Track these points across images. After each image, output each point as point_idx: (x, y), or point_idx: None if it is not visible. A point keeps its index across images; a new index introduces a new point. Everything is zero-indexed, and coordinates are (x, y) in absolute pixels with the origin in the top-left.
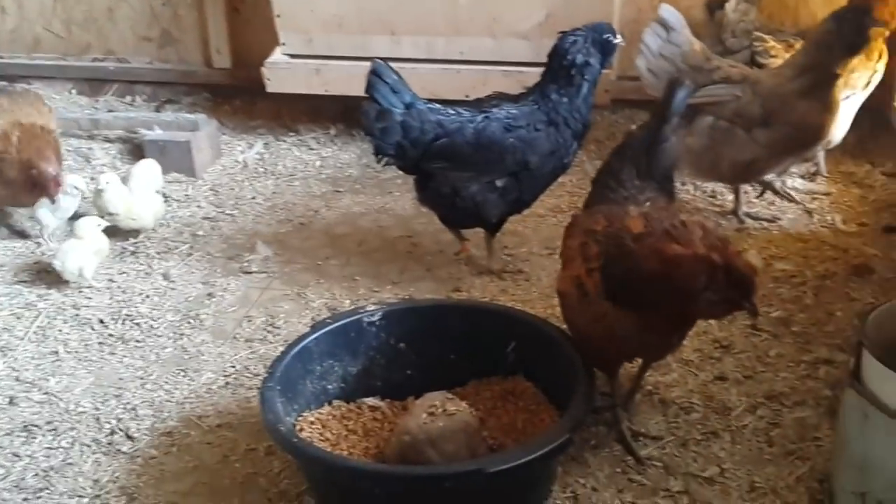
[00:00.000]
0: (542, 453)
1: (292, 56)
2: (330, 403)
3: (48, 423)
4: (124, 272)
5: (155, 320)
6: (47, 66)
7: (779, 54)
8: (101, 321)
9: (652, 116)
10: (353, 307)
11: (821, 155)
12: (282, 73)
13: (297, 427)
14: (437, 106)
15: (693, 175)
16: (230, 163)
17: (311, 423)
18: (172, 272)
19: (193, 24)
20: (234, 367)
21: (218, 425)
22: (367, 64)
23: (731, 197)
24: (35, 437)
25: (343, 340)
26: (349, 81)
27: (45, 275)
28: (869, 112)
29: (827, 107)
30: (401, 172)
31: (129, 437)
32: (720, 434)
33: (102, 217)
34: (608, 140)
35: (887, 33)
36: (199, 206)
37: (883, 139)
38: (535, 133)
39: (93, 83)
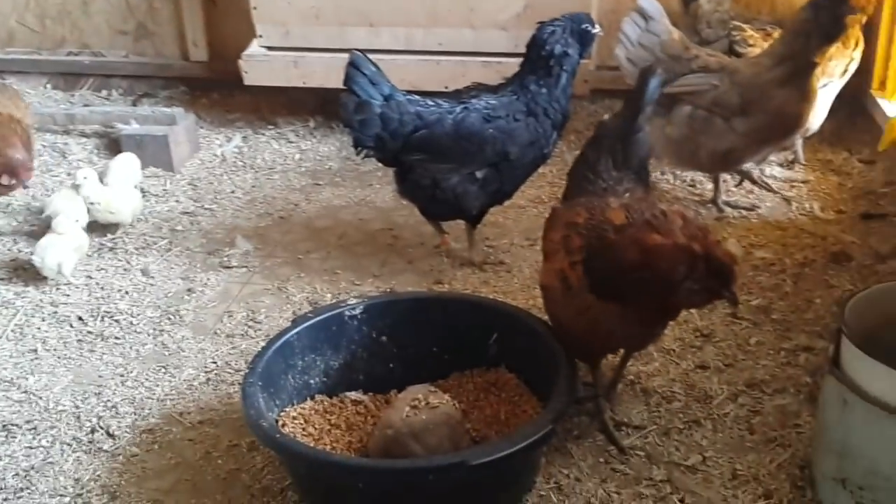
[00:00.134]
0: (525, 445)
1: (269, 48)
2: (312, 398)
3: (28, 422)
4: (102, 269)
5: (134, 317)
6: (21, 60)
7: (757, 43)
8: (80, 318)
9: (625, 106)
10: (334, 301)
11: (799, 143)
12: (259, 65)
13: (280, 422)
14: (416, 97)
15: (672, 164)
16: (208, 157)
17: (294, 418)
18: (151, 268)
19: (169, 17)
20: (215, 362)
21: (200, 422)
22: (346, 56)
23: (710, 186)
24: (15, 437)
25: (325, 335)
26: (327, 73)
27: (23, 272)
28: (846, 100)
29: (804, 95)
30: (381, 165)
31: (110, 435)
32: (702, 422)
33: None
34: (588, 130)
35: (863, 20)
36: (177, 201)
37: (860, 127)
38: (515, 123)
39: (68, 77)
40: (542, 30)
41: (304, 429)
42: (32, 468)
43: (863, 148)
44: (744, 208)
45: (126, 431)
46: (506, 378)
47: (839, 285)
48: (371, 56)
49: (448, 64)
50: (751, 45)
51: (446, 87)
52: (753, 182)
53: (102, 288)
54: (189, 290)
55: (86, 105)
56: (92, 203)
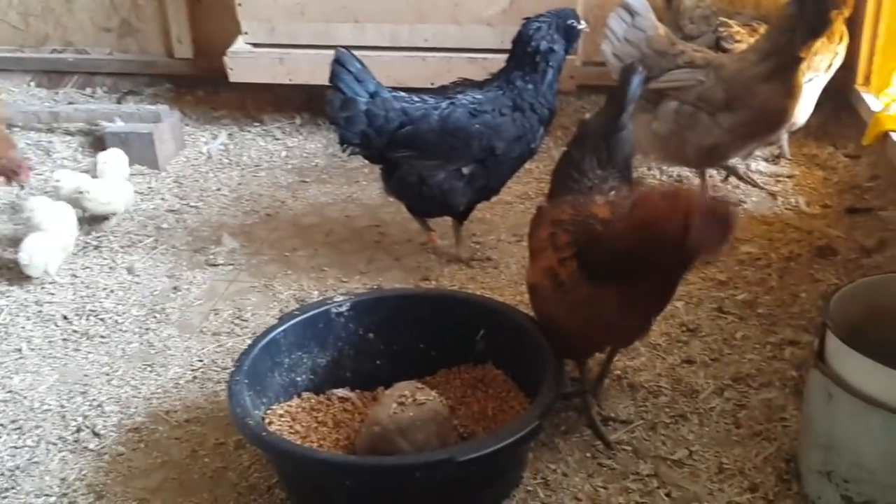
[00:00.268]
0: (512, 441)
1: (255, 45)
2: (299, 396)
3: (13, 421)
4: (88, 267)
5: (120, 315)
6: (5, 58)
7: (743, 39)
8: (65, 317)
9: (607, 104)
10: (321, 298)
11: (784, 138)
12: (244, 62)
13: (267, 420)
14: (402, 94)
15: (659, 160)
16: (194, 154)
17: (281, 415)
18: (137, 266)
19: (154, 14)
20: (201, 361)
21: (186, 420)
22: (331, 52)
23: (696, 181)
24: None
25: (311, 332)
26: (313, 70)
27: (6, 271)
28: (831, 94)
29: (790, 91)
30: (367, 162)
31: (96, 434)
32: (688, 417)
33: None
34: (574, 126)
35: (847, 14)
36: (162, 199)
37: (845, 121)
38: (501, 118)
39: (52, 75)
40: (527, 26)
41: (290, 426)
42: (17, 468)
43: (848, 142)
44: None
45: (112, 430)
46: (493, 374)
47: (824, 279)
48: (357, 53)
49: (434, 60)
50: (737, 41)
51: (432, 84)
52: (739, 177)
53: (88, 286)
54: (175, 288)
55: (70, 103)
56: (81, 192)
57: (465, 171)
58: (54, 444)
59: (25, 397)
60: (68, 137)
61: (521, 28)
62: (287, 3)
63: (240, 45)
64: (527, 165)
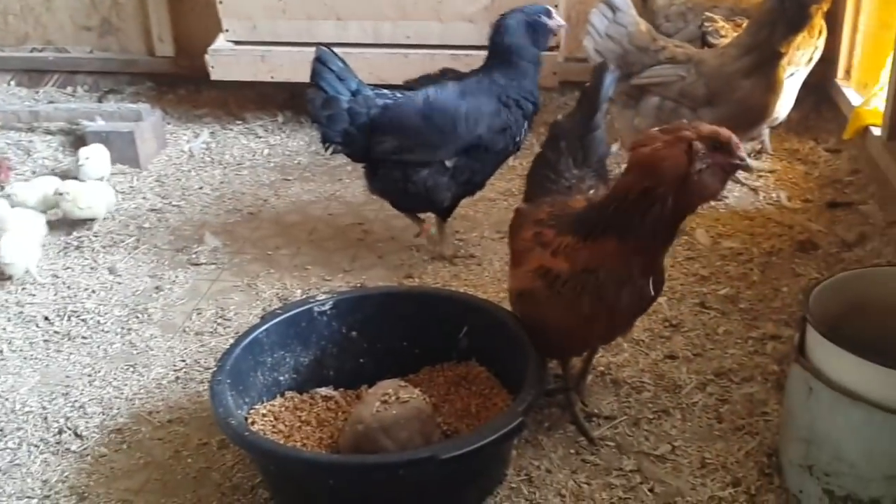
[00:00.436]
0: (494, 438)
1: (236, 43)
2: (282, 395)
3: None
4: (69, 267)
5: (102, 316)
6: None
7: (728, 34)
8: (46, 318)
9: (580, 104)
10: (304, 297)
11: (766, 133)
12: (226, 60)
13: (250, 420)
14: (384, 91)
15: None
16: (176, 153)
17: (264, 415)
18: (119, 266)
19: (134, 12)
20: (184, 361)
21: (169, 420)
22: (313, 50)
23: None
24: None
25: (294, 331)
26: (295, 68)
27: None
28: (812, 89)
29: (770, 86)
30: (350, 160)
31: (78, 436)
32: (671, 412)
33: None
34: None
35: (826, 8)
36: (144, 198)
37: (825, 115)
38: (487, 103)
39: (32, 74)
40: (496, 23)
41: (274, 426)
42: None
43: (829, 137)
44: None
45: (94, 432)
46: (476, 371)
47: (806, 273)
48: (339, 50)
49: (416, 57)
50: (723, 36)
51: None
52: None
53: (69, 287)
54: (157, 287)
55: (50, 102)
56: (60, 194)
57: (449, 164)
58: (36, 445)
59: (7, 399)
60: (49, 137)
61: (492, 25)
62: (268, 1)
63: (221, 42)
64: (510, 162)
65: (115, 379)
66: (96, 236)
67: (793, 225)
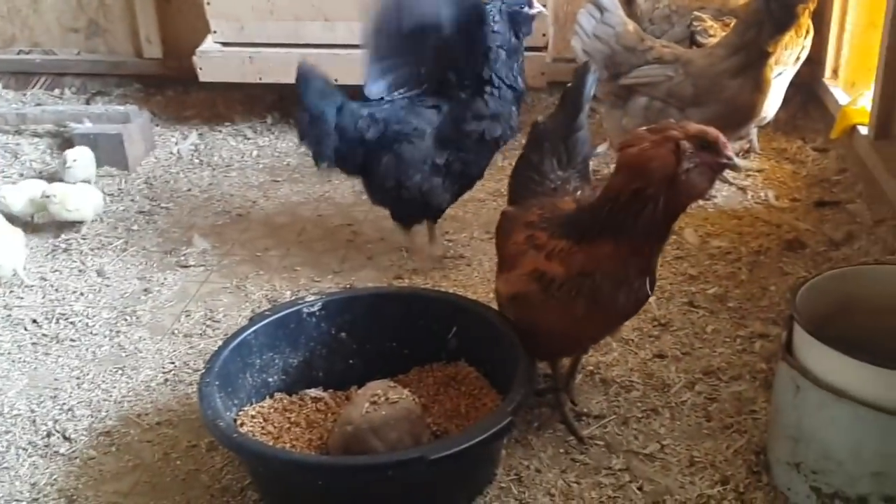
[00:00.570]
0: (483, 438)
1: (224, 44)
2: (271, 396)
3: None
4: (57, 270)
5: (90, 318)
6: None
7: (717, 34)
8: (35, 321)
9: (562, 105)
10: (293, 298)
11: (754, 132)
12: (214, 61)
13: (239, 422)
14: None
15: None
16: (164, 155)
17: (253, 417)
18: (107, 268)
19: (122, 14)
20: (173, 363)
21: (158, 423)
22: (301, 51)
23: None
24: None
25: (283, 332)
26: (283, 69)
27: None
28: (799, 88)
29: (758, 85)
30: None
31: (67, 439)
32: (660, 411)
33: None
34: None
35: (812, 8)
36: (132, 200)
37: (813, 115)
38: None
39: (19, 76)
40: None
41: (263, 427)
42: None
43: (816, 136)
44: None
45: (83, 434)
46: (466, 372)
47: (794, 272)
48: (327, 51)
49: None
50: (711, 36)
51: None
52: None
53: (57, 290)
54: (146, 290)
55: (38, 104)
56: (48, 196)
57: (440, 161)
58: (24, 449)
59: None
60: (36, 139)
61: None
62: (256, 2)
63: (209, 44)
64: (499, 163)
65: (103, 381)
66: (84, 239)
67: (781, 224)
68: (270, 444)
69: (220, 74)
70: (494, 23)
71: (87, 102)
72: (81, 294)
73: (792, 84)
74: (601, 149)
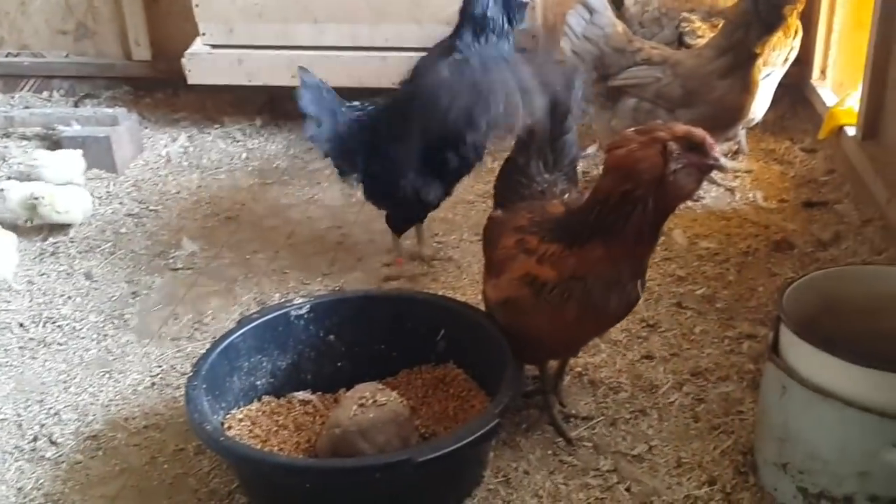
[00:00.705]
0: (470, 441)
1: (213, 46)
2: (259, 399)
3: None
4: (44, 273)
5: (77, 322)
6: None
7: (705, 34)
8: (21, 325)
9: (549, 109)
10: (281, 301)
11: (742, 133)
12: (203, 63)
13: (226, 425)
14: (354, 103)
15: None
16: (153, 157)
17: (240, 420)
18: (95, 272)
19: (110, 16)
20: (160, 366)
21: (145, 426)
22: (291, 53)
23: None
24: None
25: (270, 335)
26: (273, 71)
27: None
28: (787, 89)
29: (746, 86)
30: (329, 162)
31: (53, 443)
32: (648, 412)
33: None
34: None
35: (800, 8)
36: (121, 203)
37: (801, 115)
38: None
39: (7, 79)
40: None
41: (250, 431)
42: None
43: (804, 137)
44: None
45: (69, 438)
46: (454, 374)
47: (781, 273)
48: (316, 53)
49: (395, 60)
50: (699, 37)
51: (393, 84)
52: None
53: (44, 293)
54: (134, 293)
55: (26, 107)
56: (37, 198)
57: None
58: (10, 453)
59: None
60: (24, 142)
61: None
62: (245, 4)
63: (198, 46)
64: (489, 164)
65: (90, 385)
66: (72, 242)
67: (769, 225)
68: (258, 447)
69: (209, 77)
70: (488, 8)
71: (76, 105)
72: (69, 297)
73: (780, 85)
74: (591, 150)
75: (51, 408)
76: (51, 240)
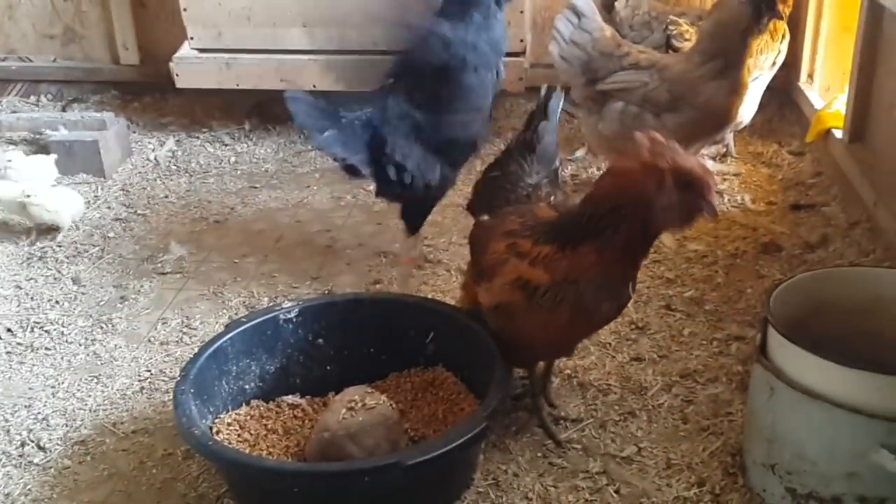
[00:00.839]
0: (458, 444)
1: (201, 50)
2: (248, 403)
3: None
4: (32, 278)
5: (65, 327)
6: None
7: (693, 38)
8: (9, 330)
9: (530, 121)
10: (269, 304)
11: (730, 136)
12: (191, 67)
13: (215, 429)
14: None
15: (607, 160)
16: (141, 161)
17: (229, 424)
18: (83, 276)
19: (98, 20)
20: (149, 371)
21: (133, 431)
22: (279, 57)
23: None
24: None
25: (259, 339)
26: (261, 75)
27: None
28: (775, 93)
29: (733, 90)
30: (318, 166)
31: (41, 448)
32: (637, 414)
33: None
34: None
35: (788, 11)
36: (109, 208)
37: (789, 119)
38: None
39: None
40: None
41: (239, 435)
42: None
43: (792, 140)
44: None
45: (57, 444)
46: (443, 377)
47: (769, 275)
48: (305, 57)
49: (385, 63)
50: (687, 40)
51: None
52: None
53: (32, 298)
54: (122, 297)
55: (13, 112)
56: (28, 196)
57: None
58: None
59: None
60: (11, 147)
61: None
62: (233, 8)
63: (186, 50)
64: (478, 167)
65: (78, 390)
66: (60, 246)
67: (757, 227)
68: (247, 451)
69: (198, 81)
70: None
71: (64, 109)
72: (57, 302)
73: (768, 88)
74: (580, 153)
75: (38, 413)
76: (38, 244)
